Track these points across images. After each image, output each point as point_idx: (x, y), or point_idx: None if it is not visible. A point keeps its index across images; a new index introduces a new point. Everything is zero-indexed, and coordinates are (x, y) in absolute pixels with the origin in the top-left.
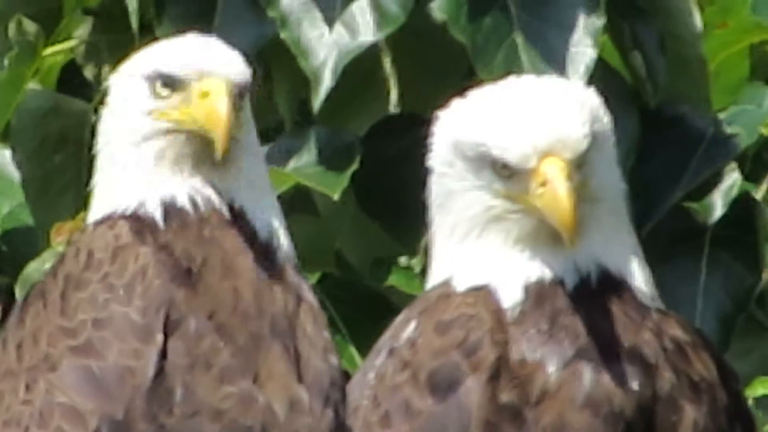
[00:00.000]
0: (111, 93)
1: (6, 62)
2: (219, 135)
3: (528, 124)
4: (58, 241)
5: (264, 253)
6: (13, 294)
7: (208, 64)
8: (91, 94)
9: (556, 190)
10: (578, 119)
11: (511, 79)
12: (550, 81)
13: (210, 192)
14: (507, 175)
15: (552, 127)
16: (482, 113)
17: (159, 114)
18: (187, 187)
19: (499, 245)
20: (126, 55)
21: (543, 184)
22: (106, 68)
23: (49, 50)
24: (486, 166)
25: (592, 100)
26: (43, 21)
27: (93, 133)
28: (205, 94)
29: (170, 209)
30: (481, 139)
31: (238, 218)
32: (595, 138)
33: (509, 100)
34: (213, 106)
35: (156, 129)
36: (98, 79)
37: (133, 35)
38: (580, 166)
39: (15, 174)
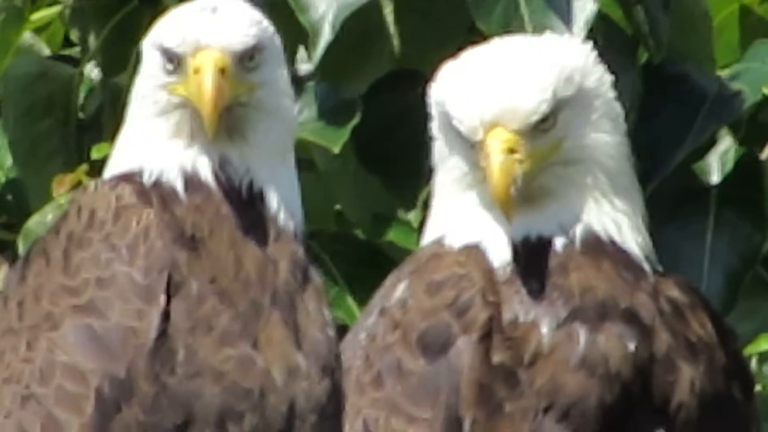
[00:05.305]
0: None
1: None
2: (206, 112)
3: (479, 94)
4: (60, 192)
5: (277, 232)
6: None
7: (203, 37)
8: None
9: (492, 166)
10: (534, 86)
11: (495, 42)
12: (528, 42)
13: (230, 168)
14: (470, 144)
15: (499, 98)
16: (456, 80)
17: (171, 88)
18: (207, 161)
19: (485, 207)
20: (110, 19)
21: (486, 157)
22: (91, 33)
23: (36, 15)
24: (456, 134)
25: (570, 60)
26: None
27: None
28: (196, 70)
29: (190, 181)
30: (447, 108)
31: (255, 198)
32: (570, 100)
33: (478, 67)
34: (200, 83)
35: (171, 103)
36: (84, 43)
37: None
38: (545, 131)
39: None
